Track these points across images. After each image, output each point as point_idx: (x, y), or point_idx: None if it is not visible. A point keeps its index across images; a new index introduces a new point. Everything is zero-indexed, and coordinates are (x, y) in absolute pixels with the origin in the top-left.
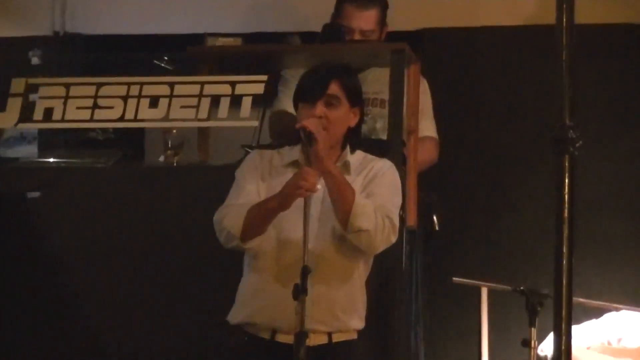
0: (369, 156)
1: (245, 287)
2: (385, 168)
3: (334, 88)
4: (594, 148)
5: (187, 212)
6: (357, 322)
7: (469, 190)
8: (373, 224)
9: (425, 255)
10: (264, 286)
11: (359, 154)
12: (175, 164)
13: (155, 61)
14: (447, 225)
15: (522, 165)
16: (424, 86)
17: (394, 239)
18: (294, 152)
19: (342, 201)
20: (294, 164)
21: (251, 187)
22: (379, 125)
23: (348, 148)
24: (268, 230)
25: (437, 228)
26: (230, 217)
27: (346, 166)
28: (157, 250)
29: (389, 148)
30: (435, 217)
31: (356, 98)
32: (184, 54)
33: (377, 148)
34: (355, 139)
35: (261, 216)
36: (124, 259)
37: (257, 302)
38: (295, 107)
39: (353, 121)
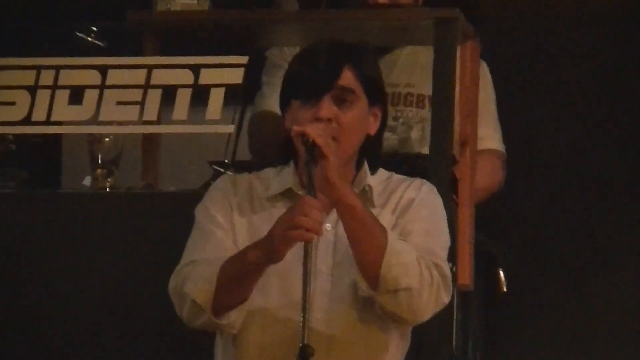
0: (396, 176)
1: None
2: (423, 192)
3: (348, 77)
4: None
5: (124, 259)
6: None
7: (546, 234)
8: (416, 279)
9: (485, 328)
10: None
11: (382, 173)
12: (107, 190)
13: (78, 34)
14: (515, 286)
15: (628, 201)
16: (484, 74)
17: (446, 298)
18: (284, 177)
19: (368, 247)
20: (286, 194)
21: (222, 233)
22: (415, 133)
23: (366, 166)
24: (254, 295)
25: (504, 289)
26: (194, 280)
27: (366, 193)
28: (77, 313)
29: (431, 167)
30: (501, 273)
31: (377, 93)
32: (123, 23)
33: (412, 167)
34: (375, 153)
35: (241, 275)
36: (33, 320)
37: None
38: (285, 106)
39: (373, 127)
